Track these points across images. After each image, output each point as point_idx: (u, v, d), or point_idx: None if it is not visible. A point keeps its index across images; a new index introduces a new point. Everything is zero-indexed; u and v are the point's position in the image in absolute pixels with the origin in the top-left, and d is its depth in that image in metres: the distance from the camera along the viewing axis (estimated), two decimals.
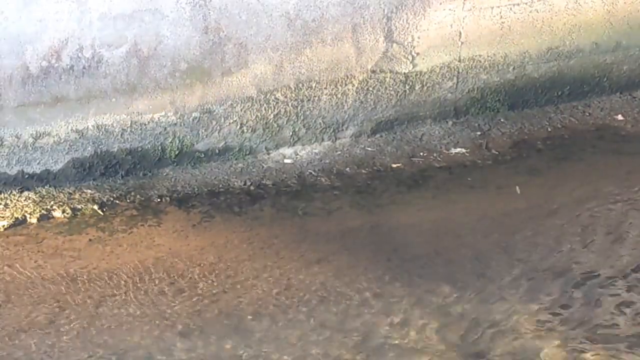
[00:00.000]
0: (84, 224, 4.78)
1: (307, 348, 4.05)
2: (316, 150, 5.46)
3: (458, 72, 5.68)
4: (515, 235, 4.81)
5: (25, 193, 4.91)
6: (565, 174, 5.38)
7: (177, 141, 5.18)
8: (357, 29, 5.36)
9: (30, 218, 4.78)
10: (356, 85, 5.45)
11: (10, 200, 4.86)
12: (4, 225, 4.71)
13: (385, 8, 5.37)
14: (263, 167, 5.31)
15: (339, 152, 5.47)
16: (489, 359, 4.02)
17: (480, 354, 4.04)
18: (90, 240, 4.66)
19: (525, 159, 5.51)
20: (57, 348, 4.01)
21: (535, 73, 5.90)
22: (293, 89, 5.33)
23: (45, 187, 4.97)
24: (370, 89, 5.50)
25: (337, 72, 5.39)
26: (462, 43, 5.64)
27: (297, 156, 5.40)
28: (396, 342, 4.09)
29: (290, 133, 5.41)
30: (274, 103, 5.32)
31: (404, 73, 5.55)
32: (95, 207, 4.88)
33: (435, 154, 5.51)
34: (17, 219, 4.76)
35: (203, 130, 5.22)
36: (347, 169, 5.35)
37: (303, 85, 5.35)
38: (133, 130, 5.08)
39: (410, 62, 5.55)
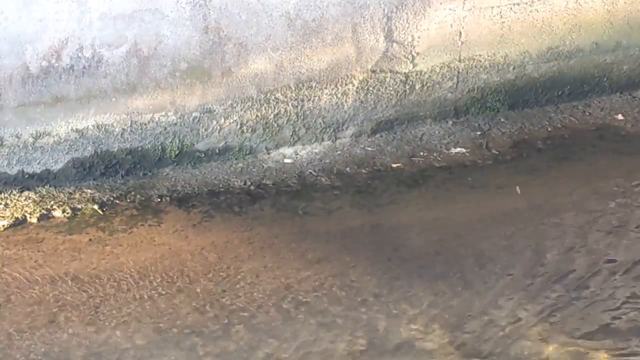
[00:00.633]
0: (84, 223, 4.78)
1: (307, 347, 4.05)
2: (316, 150, 5.45)
3: (458, 72, 5.68)
4: (515, 235, 4.80)
5: (26, 193, 4.91)
6: (565, 174, 5.38)
7: (177, 141, 5.18)
8: (357, 29, 5.36)
9: (30, 218, 4.78)
10: (356, 85, 5.45)
11: (11, 200, 4.86)
12: (4, 225, 4.71)
13: (386, 8, 5.37)
14: (263, 166, 5.31)
15: (339, 152, 5.47)
16: (490, 357, 4.02)
17: (480, 353, 4.04)
18: (90, 240, 4.66)
19: (526, 159, 5.51)
20: (57, 348, 4.01)
21: (536, 73, 5.89)
22: (293, 88, 5.33)
23: (46, 186, 4.97)
24: (371, 88, 5.49)
25: (337, 71, 5.39)
26: (462, 43, 5.63)
27: (297, 156, 5.40)
28: (396, 341, 4.09)
29: (291, 133, 5.41)
30: (274, 103, 5.32)
31: (404, 73, 5.55)
32: (96, 206, 4.88)
33: (435, 154, 5.51)
34: (17, 218, 4.76)
35: (203, 130, 5.22)
36: (347, 168, 5.35)
37: (303, 85, 5.35)
38: (133, 130, 5.08)
39: (411, 62, 5.55)
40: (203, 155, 5.26)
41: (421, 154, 5.51)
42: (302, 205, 5.01)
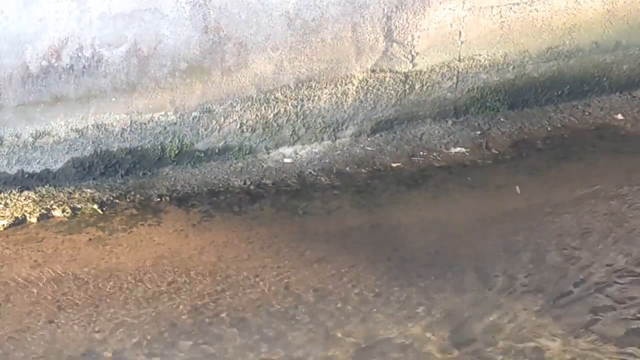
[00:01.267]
0: (84, 223, 4.78)
1: (307, 347, 4.05)
2: (316, 150, 5.45)
3: (458, 72, 5.68)
4: (515, 235, 4.80)
5: (25, 192, 4.91)
6: (565, 174, 5.38)
7: (177, 140, 5.18)
8: (357, 29, 5.36)
9: (30, 217, 4.77)
10: (356, 84, 5.45)
11: (10, 199, 4.86)
12: (3, 225, 4.71)
13: (385, 7, 5.37)
14: (263, 166, 5.31)
15: (339, 152, 5.47)
16: (489, 357, 4.02)
17: (480, 353, 4.04)
18: (90, 239, 4.66)
19: (525, 159, 5.51)
20: (57, 347, 4.01)
21: (535, 72, 5.90)
22: (293, 88, 5.33)
23: (45, 186, 4.97)
24: (370, 88, 5.50)
25: (337, 71, 5.39)
26: (462, 42, 5.63)
27: (297, 155, 5.40)
28: (396, 341, 4.09)
29: (290, 132, 5.41)
30: (274, 102, 5.32)
31: (404, 72, 5.55)
32: (95, 206, 4.88)
33: (435, 154, 5.51)
34: (17, 218, 4.76)
35: (203, 130, 5.22)
36: (347, 168, 5.35)
37: (303, 85, 5.35)
38: (133, 129, 5.08)
39: (410, 62, 5.55)
40: (203, 154, 5.26)
41: (421, 153, 5.51)
42: (301, 205, 5.01)
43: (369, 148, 5.52)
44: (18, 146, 4.90)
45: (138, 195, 4.99)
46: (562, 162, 5.49)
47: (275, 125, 5.36)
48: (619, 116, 5.97)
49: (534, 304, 4.31)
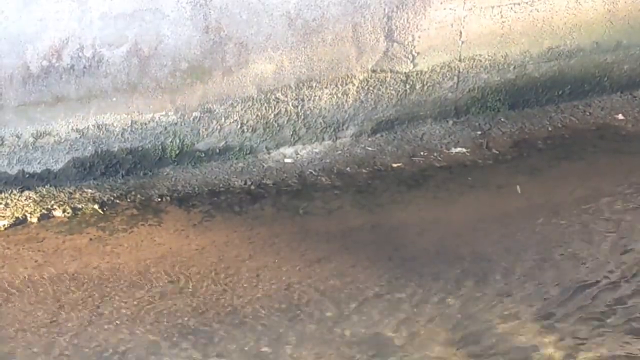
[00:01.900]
0: (85, 223, 4.78)
1: (307, 347, 4.05)
2: (317, 150, 5.45)
3: (459, 72, 5.68)
4: (515, 235, 4.80)
5: (26, 192, 4.91)
6: (565, 174, 5.38)
7: (178, 140, 5.18)
8: (358, 29, 5.36)
9: (30, 217, 4.77)
10: (357, 84, 5.45)
11: (11, 199, 4.86)
12: (4, 225, 4.71)
13: (386, 7, 5.37)
14: (263, 166, 5.31)
15: (340, 152, 5.47)
16: (489, 357, 4.02)
17: (480, 352, 4.04)
18: (90, 239, 4.66)
19: (526, 159, 5.51)
20: (57, 347, 4.01)
21: (536, 72, 5.89)
22: (293, 88, 5.33)
23: (46, 186, 4.97)
24: (371, 88, 5.49)
25: (338, 71, 5.39)
26: (462, 42, 5.63)
27: (298, 155, 5.40)
28: (397, 341, 4.09)
29: (291, 132, 5.41)
30: (275, 102, 5.32)
31: (405, 72, 5.55)
32: (96, 206, 4.88)
33: (435, 154, 5.51)
34: (17, 218, 4.76)
35: (203, 130, 5.22)
36: (348, 168, 5.35)
37: (303, 85, 5.35)
38: (134, 129, 5.08)
39: (411, 62, 5.55)
40: (203, 154, 5.26)
41: (421, 153, 5.51)
42: (302, 205, 5.01)
43: (370, 148, 5.52)
44: (19, 146, 4.90)
45: (139, 196, 4.99)
46: (563, 162, 5.49)
47: (276, 125, 5.36)
48: (620, 116, 5.96)
49: (534, 303, 4.31)
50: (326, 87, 5.40)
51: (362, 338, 4.10)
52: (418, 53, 5.54)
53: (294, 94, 5.34)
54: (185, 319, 4.18)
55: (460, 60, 5.66)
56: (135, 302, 4.26)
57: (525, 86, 5.90)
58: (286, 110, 5.35)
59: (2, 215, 4.76)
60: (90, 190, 4.99)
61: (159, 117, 5.11)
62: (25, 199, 4.87)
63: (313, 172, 5.29)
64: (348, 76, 5.42)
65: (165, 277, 4.42)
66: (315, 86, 5.37)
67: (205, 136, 5.24)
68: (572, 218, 4.94)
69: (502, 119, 5.83)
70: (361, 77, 5.46)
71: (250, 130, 5.32)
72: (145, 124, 5.09)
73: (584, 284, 4.46)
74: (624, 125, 5.88)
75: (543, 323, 4.20)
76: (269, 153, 5.39)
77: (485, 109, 5.84)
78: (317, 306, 4.28)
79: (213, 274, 4.45)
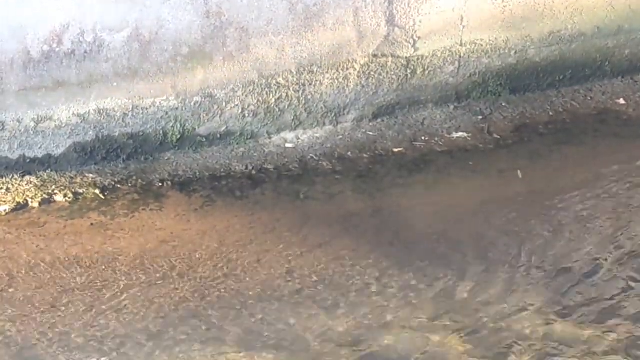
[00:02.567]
0: (86, 208, 4.78)
1: (309, 331, 4.06)
2: (318, 135, 5.45)
3: (460, 56, 5.68)
4: (517, 219, 4.81)
5: (27, 177, 4.91)
6: (567, 158, 5.38)
7: (179, 125, 5.18)
8: (359, 13, 5.35)
9: (32, 202, 4.78)
10: (358, 69, 5.45)
11: (12, 184, 4.87)
12: (6, 210, 4.71)
13: None
14: (265, 151, 5.30)
15: (341, 137, 5.47)
16: (491, 343, 4.02)
17: (482, 338, 4.04)
18: (92, 224, 4.67)
19: (527, 143, 5.51)
20: (59, 331, 4.02)
21: (537, 57, 5.89)
22: (295, 73, 5.33)
23: (47, 171, 4.98)
24: (372, 73, 5.49)
25: (339, 56, 5.38)
26: (463, 27, 5.62)
27: (299, 140, 5.40)
28: (398, 325, 4.10)
29: (292, 117, 5.40)
30: (276, 87, 5.31)
31: (406, 57, 5.54)
32: (97, 191, 4.88)
33: (436, 138, 5.51)
34: (19, 203, 4.76)
35: (204, 115, 5.22)
36: (349, 153, 5.35)
37: (305, 70, 5.34)
38: (135, 114, 5.08)
39: (412, 46, 5.54)
40: (204, 139, 5.26)
41: (423, 138, 5.51)
42: (303, 190, 5.01)
43: (371, 133, 5.51)
44: (20, 131, 4.90)
45: (140, 180, 4.99)
46: (564, 146, 5.49)
47: (277, 110, 5.36)
48: (621, 101, 5.96)
49: (536, 288, 4.31)
50: (327, 72, 5.39)
51: (363, 322, 4.11)
52: (419, 37, 5.53)
53: (295, 79, 5.34)
54: (186, 303, 4.18)
55: (461, 45, 5.65)
56: (136, 287, 4.26)
57: (526, 71, 5.89)
58: (287, 95, 5.35)
59: (4, 200, 4.76)
60: (91, 175, 4.99)
61: (160, 102, 5.10)
62: (26, 184, 4.87)
63: (314, 157, 5.29)
64: (349, 61, 5.42)
65: (167, 262, 4.42)
66: (317, 71, 5.36)
67: (206, 121, 5.23)
68: (573, 202, 4.94)
69: (503, 104, 5.83)
70: (362, 62, 5.45)
71: (251, 115, 5.31)
72: (146, 108, 5.09)
73: (587, 267, 4.46)
74: (625, 110, 5.88)
75: (546, 307, 4.21)
76: (270, 138, 5.39)
77: (487, 94, 5.83)
78: (318, 291, 4.29)
79: (214, 259, 4.45)
